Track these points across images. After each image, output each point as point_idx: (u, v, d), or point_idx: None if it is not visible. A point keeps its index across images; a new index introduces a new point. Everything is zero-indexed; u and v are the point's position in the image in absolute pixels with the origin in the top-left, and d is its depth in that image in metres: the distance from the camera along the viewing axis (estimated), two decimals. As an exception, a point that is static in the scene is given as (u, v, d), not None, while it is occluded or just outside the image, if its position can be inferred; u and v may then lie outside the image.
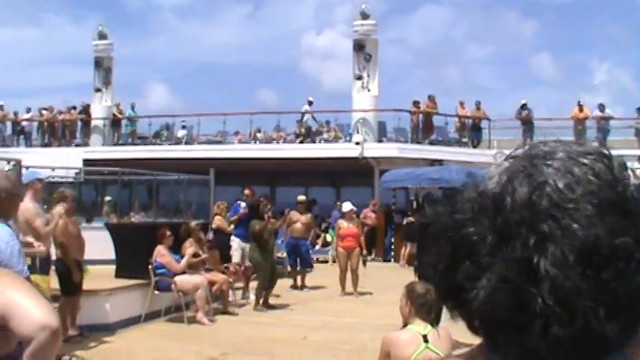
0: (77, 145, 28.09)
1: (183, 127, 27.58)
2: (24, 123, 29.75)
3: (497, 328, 0.90)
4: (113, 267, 11.45)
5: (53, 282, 8.64)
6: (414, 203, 20.61)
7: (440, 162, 22.93)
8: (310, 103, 25.86)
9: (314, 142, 25.06)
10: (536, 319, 0.86)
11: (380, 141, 24.78)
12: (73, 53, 78.33)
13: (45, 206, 10.05)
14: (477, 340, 1.00)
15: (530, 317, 0.86)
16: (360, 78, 25.04)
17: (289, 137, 26.40)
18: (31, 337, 1.93)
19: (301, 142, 25.12)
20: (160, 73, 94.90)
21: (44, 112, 29.24)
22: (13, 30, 78.95)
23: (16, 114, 29.99)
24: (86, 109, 28.77)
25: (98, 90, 28.85)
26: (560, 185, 0.89)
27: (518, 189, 0.90)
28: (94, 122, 28.54)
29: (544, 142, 0.98)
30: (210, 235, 14.04)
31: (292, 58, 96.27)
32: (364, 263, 14.48)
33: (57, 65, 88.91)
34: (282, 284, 13.51)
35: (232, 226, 13.95)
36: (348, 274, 13.93)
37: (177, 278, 10.83)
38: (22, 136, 29.73)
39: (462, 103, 25.94)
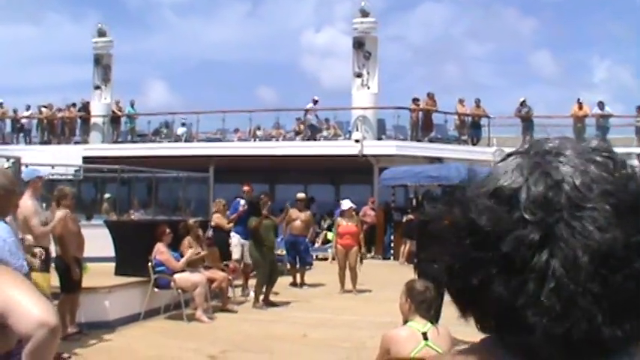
0: (76, 143, 28.07)
1: (183, 125, 27.56)
2: (23, 120, 29.75)
3: (509, 326, 0.90)
4: (112, 264, 11.45)
5: (53, 280, 8.64)
6: (414, 201, 20.60)
7: (439, 160, 22.93)
8: (315, 102, 25.78)
9: (315, 140, 25.01)
10: (538, 318, 0.86)
11: (379, 138, 24.78)
12: (73, 51, 78.48)
13: (44, 204, 10.06)
14: (477, 338, 1.00)
15: (534, 315, 0.87)
16: (359, 75, 25.03)
17: (289, 135, 26.40)
18: (29, 335, 1.93)
19: (308, 139, 25.01)
20: (160, 71, 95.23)
21: (44, 109, 29.23)
22: (13, 28, 78.93)
23: (15, 111, 29.97)
24: (86, 107, 28.75)
25: (97, 87, 28.84)
26: (578, 183, 0.89)
27: (533, 186, 0.90)
28: (93, 120, 28.53)
29: (549, 139, 0.97)
30: (210, 233, 14.04)
31: (292, 56, 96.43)
32: (360, 260, 14.48)
33: (56, 63, 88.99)
34: (282, 282, 13.51)
35: (231, 224, 13.92)
36: (348, 272, 13.94)
37: (176, 276, 10.83)
38: (21, 134, 29.73)
39: (461, 101, 25.93)
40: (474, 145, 25.13)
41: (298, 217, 14.63)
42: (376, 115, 25.19)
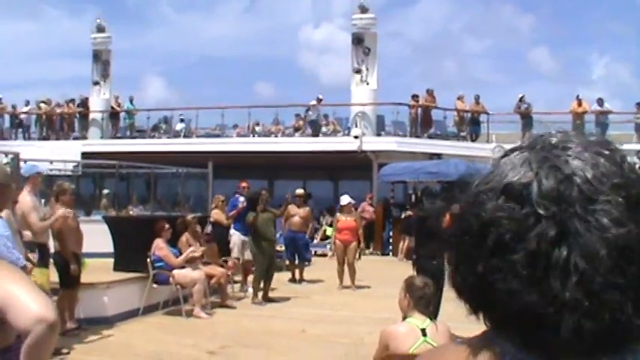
0: (75, 138, 28.04)
1: (182, 121, 27.54)
2: (22, 116, 29.71)
3: (527, 323, 0.89)
4: (111, 260, 11.44)
5: (52, 275, 8.64)
6: (413, 197, 20.60)
7: (438, 156, 22.93)
8: (319, 101, 25.70)
9: (315, 136, 24.96)
10: (565, 313, 0.86)
11: (378, 135, 24.76)
12: (71, 46, 78.45)
13: (43, 199, 10.05)
14: (474, 334, 1.00)
15: (560, 311, 0.87)
16: (358, 71, 25.00)
17: (288, 131, 26.38)
18: (28, 330, 1.93)
19: (310, 136, 24.95)
20: (158, 66, 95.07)
21: (42, 105, 29.19)
22: (12, 23, 78.81)
23: (14, 107, 29.94)
24: (84, 102, 28.73)
25: (96, 83, 28.79)
26: (589, 177, 0.89)
27: (545, 180, 0.89)
28: (92, 115, 28.50)
29: (554, 133, 0.97)
30: (209, 229, 14.04)
31: (290, 52, 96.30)
32: (359, 255, 14.47)
33: (55, 58, 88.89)
34: (280, 278, 13.51)
35: (230, 220, 13.90)
36: (346, 268, 13.94)
37: (175, 272, 10.83)
38: (20, 129, 29.69)
39: (460, 97, 25.92)
40: (473, 141, 25.12)
41: (297, 213, 14.62)
42: (375, 111, 25.16)
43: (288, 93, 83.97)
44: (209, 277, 11.25)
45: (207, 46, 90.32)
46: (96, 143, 26.62)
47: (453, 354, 1.01)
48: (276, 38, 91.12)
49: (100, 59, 28.97)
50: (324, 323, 10.33)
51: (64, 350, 7.84)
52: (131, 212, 17.32)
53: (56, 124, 29.03)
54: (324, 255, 19.35)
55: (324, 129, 25.32)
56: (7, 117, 30.13)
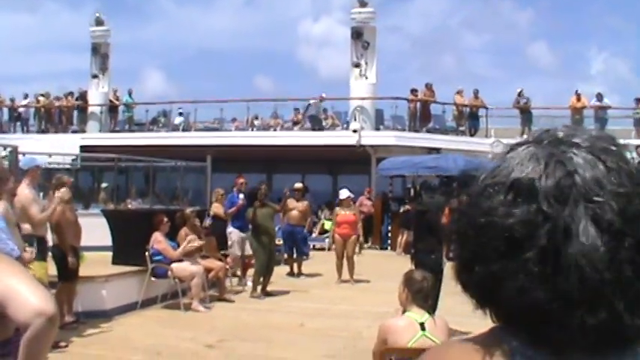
0: (74, 132, 27.99)
1: (180, 114, 27.50)
2: (21, 109, 29.67)
3: (534, 319, 0.90)
4: (110, 253, 11.45)
5: (50, 268, 8.64)
6: (411, 191, 20.60)
7: (437, 150, 22.93)
8: (322, 100, 25.63)
9: (315, 130, 24.93)
10: (570, 309, 0.87)
11: (377, 129, 24.75)
12: (70, 39, 78.22)
13: (41, 193, 10.04)
14: (471, 328, 1.00)
15: (565, 307, 0.87)
16: (357, 65, 24.96)
17: (286, 125, 26.36)
18: (27, 324, 1.93)
19: (314, 130, 24.90)
20: (157, 60, 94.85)
21: (41, 98, 29.14)
22: (10, 16, 78.57)
23: (12, 100, 29.89)
24: (83, 96, 28.68)
25: (95, 76, 28.72)
26: (589, 176, 0.89)
27: (551, 177, 0.90)
28: (90, 109, 28.44)
29: (561, 128, 0.97)
30: (207, 222, 14.03)
31: (289, 45, 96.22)
32: (360, 249, 14.47)
33: (54, 51, 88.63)
34: (278, 271, 13.52)
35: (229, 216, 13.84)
36: (345, 262, 13.94)
37: (173, 265, 10.84)
38: (18, 123, 29.64)
39: (459, 92, 25.89)
40: (471, 135, 25.12)
41: (295, 207, 14.61)
42: (374, 105, 25.15)
43: (287, 87, 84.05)
44: (207, 270, 11.26)
45: (206, 40, 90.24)
46: (94, 136, 26.60)
47: (459, 351, 1.00)
48: (275, 32, 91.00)
49: (99, 52, 28.90)
50: (322, 317, 10.34)
51: (62, 344, 7.84)
52: (130, 206, 17.29)
53: (55, 118, 29.00)
54: (323, 249, 19.38)
55: (323, 123, 25.29)
56: (5, 110, 30.09)
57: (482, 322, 1.02)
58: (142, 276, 10.91)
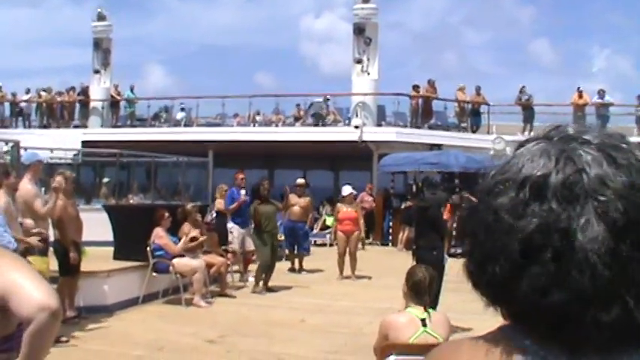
0: (76, 127, 28.01)
1: (182, 110, 27.47)
2: (22, 104, 29.66)
3: (553, 319, 0.89)
4: (111, 249, 11.45)
5: (52, 263, 8.65)
6: (413, 187, 20.59)
7: (439, 147, 22.91)
8: (327, 100, 25.57)
9: (316, 125, 24.90)
10: (584, 307, 0.87)
11: (379, 125, 24.71)
12: (72, 34, 78.23)
13: (43, 188, 10.05)
14: (472, 325, 1.00)
15: (582, 305, 0.87)
16: (359, 61, 24.92)
17: (288, 120, 26.34)
18: (30, 318, 1.93)
19: (316, 126, 24.86)
20: (159, 55, 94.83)
21: (43, 93, 29.15)
22: (12, 10, 78.56)
23: (14, 95, 29.87)
24: (85, 91, 28.66)
25: (97, 71, 28.72)
26: (597, 174, 0.89)
27: (561, 174, 0.90)
28: (92, 104, 28.43)
29: (571, 125, 0.97)
30: (208, 218, 14.03)
31: (291, 41, 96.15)
32: (362, 244, 14.46)
33: (56, 46, 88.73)
34: (280, 267, 13.52)
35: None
36: (347, 258, 13.94)
37: (175, 260, 10.84)
38: (20, 118, 29.65)
39: (461, 88, 25.87)
40: (473, 132, 25.11)
41: (297, 203, 14.61)
42: (376, 101, 25.11)
43: (288, 83, 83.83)
44: (209, 266, 11.26)
45: (208, 35, 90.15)
46: (96, 132, 26.59)
47: (470, 349, 0.99)
48: (277, 28, 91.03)
49: (101, 47, 28.89)
50: (323, 313, 10.35)
51: (64, 338, 7.85)
52: (131, 201, 17.31)
53: (57, 113, 28.98)
54: (324, 245, 19.39)
55: (325, 119, 25.25)
56: (7, 105, 30.07)
57: (482, 320, 1.02)
58: (144, 271, 10.92)
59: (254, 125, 26.48)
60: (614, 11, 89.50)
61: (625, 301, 0.87)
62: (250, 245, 13.04)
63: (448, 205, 16.12)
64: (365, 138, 23.14)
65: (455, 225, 15.84)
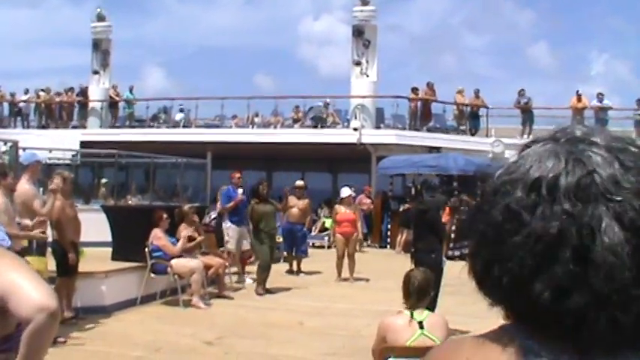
0: (74, 127, 27.99)
1: (181, 111, 27.48)
2: (21, 104, 29.67)
3: (569, 320, 0.89)
4: (109, 249, 11.45)
5: (50, 264, 8.65)
6: (412, 190, 20.61)
7: (438, 149, 22.91)
8: (327, 105, 25.58)
9: (315, 127, 24.89)
10: (604, 308, 0.87)
11: (378, 127, 24.72)
12: (71, 35, 78.18)
13: (41, 188, 10.04)
14: (470, 327, 1.00)
15: (598, 306, 0.87)
16: (358, 64, 24.93)
17: (287, 122, 26.34)
18: (29, 319, 1.93)
19: (314, 127, 24.84)
20: (158, 56, 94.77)
21: (42, 93, 29.15)
22: (12, 11, 78.54)
23: (13, 95, 29.87)
24: (84, 91, 28.66)
25: (96, 72, 28.72)
26: (609, 174, 0.89)
27: (571, 175, 0.90)
28: (91, 104, 28.44)
29: (577, 126, 0.97)
30: (207, 219, 14.01)
31: (290, 43, 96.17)
32: (360, 245, 14.45)
33: (55, 47, 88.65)
34: (278, 269, 13.52)
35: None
36: (345, 260, 13.94)
37: (173, 261, 10.84)
38: (19, 118, 29.64)
39: (460, 91, 25.88)
40: (472, 135, 25.09)
41: (296, 205, 14.61)
42: (375, 103, 25.11)
43: (287, 84, 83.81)
44: (207, 267, 11.26)
45: (207, 37, 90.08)
46: (95, 132, 26.57)
47: (472, 347, 0.99)
48: (276, 30, 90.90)
49: (100, 48, 28.89)
50: (321, 315, 10.35)
51: (61, 339, 7.84)
52: (130, 202, 17.31)
53: (55, 113, 28.97)
54: (322, 247, 19.38)
55: (325, 122, 25.25)
56: (6, 105, 30.06)
57: (480, 322, 1.02)
58: (142, 272, 10.92)
59: (253, 127, 26.46)
60: (613, 16, 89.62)
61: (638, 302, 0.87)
62: (246, 245, 13.03)
63: (447, 208, 16.14)
64: (364, 140, 23.14)
65: (453, 228, 15.88)
